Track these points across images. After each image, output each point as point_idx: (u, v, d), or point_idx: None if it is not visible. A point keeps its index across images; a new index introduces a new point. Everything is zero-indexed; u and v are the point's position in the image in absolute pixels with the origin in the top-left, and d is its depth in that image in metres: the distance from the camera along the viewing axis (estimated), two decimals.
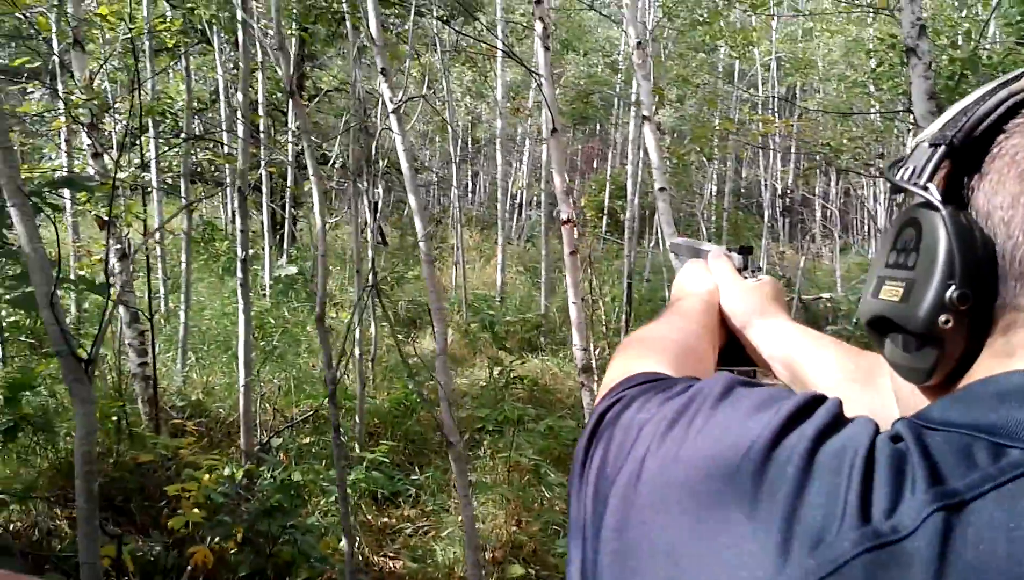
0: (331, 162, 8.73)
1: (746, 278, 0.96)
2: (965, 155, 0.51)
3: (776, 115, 13.82)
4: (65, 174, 3.24)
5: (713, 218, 16.04)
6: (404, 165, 2.64)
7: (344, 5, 5.54)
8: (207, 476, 3.07)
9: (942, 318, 0.48)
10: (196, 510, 2.91)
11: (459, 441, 2.56)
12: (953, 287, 0.48)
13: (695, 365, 0.75)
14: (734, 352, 0.94)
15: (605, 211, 14.82)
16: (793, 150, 16.21)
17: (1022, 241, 0.47)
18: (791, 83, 16.99)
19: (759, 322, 0.91)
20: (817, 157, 12.54)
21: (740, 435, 0.48)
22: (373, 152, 4.95)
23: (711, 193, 17.61)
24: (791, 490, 0.44)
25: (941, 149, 0.51)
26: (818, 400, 0.51)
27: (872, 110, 10.40)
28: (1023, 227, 0.47)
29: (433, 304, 2.69)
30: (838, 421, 0.48)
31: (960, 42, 8.61)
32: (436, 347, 2.67)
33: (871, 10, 8.19)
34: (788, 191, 16.40)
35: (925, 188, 0.51)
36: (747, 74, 16.35)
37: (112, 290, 5.46)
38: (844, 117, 10.53)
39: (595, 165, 19.52)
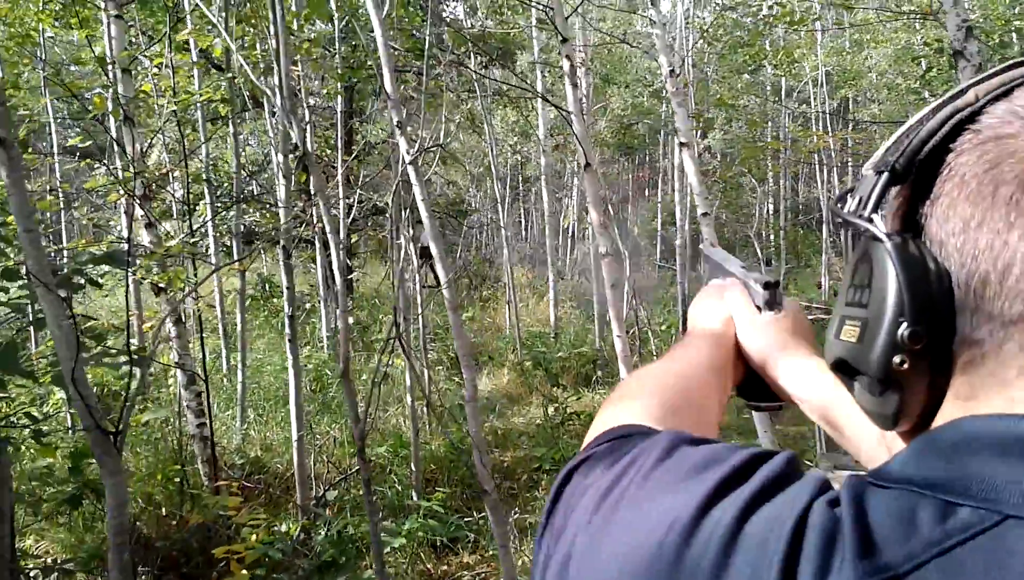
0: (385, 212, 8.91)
1: (763, 312, 0.88)
2: (917, 179, 0.47)
3: (826, 129, 13.53)
4: (111, 248, 3.39)
5: (771, 237, 15.74)
6: (423, 214, 2.67)
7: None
8: (253, 537, 3.09)
9: (896, 359, 0.44)
10: (245, 571, 2.93)
11: (493, 489, 2.52)
12: (904, 325, 0.44)
13: (688, 412, 0.71)
14: (756, 388, 0.87)
15: (658, 238, 14.70)
16: (851, 164, 15.84)
17: (975, 269, 0.42)
18: (843, 96, 16.66)
19: (780, 359, 0.83)
20: None
21: (662, 515, 0.45)
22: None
23: (768, 212, 17.29)
24: (711, 570, 0.41)
25: (884, 176, 0.48)
26: (761, 458, 0.47)
27: None
28: (975, 254, 0.42)
29: (460, 351, 2.68)
30: (778, 483, 0.44)
31: (1015, 40, 8.32)
32: (465, 395, 2.65)
33: (915, 15, 7.99)
34: None
35: (869, 220, 0.48)
36: (795, 90, 16.11)
37: (161, 357, 5.63)
38: (897, 124, 10.22)
39: (647, 193, 19.44)
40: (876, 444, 0.63)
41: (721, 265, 1.00)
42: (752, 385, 0.87)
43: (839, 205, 0.52)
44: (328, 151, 11.17)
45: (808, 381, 0.79)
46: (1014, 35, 8.37)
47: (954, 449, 0.41)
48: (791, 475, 0.46)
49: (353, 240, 9.64)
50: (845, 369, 0.51)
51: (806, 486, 0.44)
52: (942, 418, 0.45)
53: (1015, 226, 0.41)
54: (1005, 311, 0.41)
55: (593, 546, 0.48)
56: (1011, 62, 0.47)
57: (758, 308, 0.88)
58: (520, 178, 18.37)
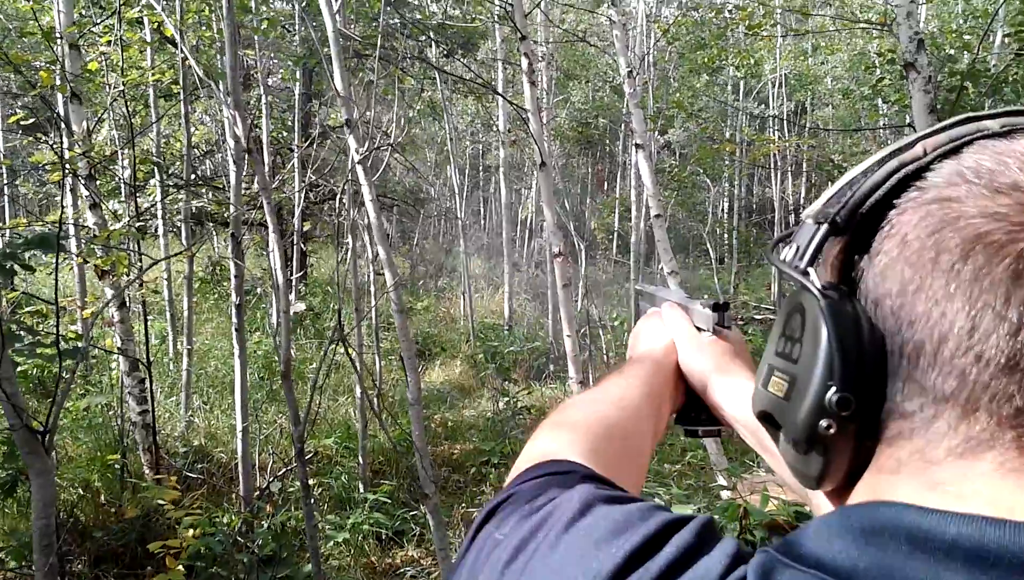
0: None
1: (703, 332, 0.88)
2: (857, 232, 0.45)
3: (778, 133, 13.76)
4: (43, 230, 3.28)
5: (725, 236, 15.98)
6: (371, 215, 2.64)
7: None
8: (189, 532, 3.05)
9: (823, 423, 0.43)
10: (180, 567, 2.89)
11: (434, 493, 2.53)
12: (833, 390, 0.42)
13: (623, 446, 0.70)
14: (696, 412, 0.87)
15: (615, 233, 14.81)
16: (805, 167, 16.15)
17: (910, 337, 0.41)
18: (800, 98, 16.95)
19: (718, 381, 0.82)
20: (824, 172, 12.46)
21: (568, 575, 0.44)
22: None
23: (722, 211, 17.55)
24: None
25: (824, 228, 0.46)
26: (674, 526, 0.46)
27: (876, 125, 10.33)
28: (911, 320, 0.41)
29: (405, 354, 2.68)
30: (688, 556, 0.43)
31: (964, 54, 8.54)
32: (409, 398, 2.65)
33: (869, 26, 8.15)
34: (800, 206, 16.31)
35: (805, 273, 0.46)
36: (754, 90, 16.34)
37: (104, 340, 5.50)
38: (849, 132, 10.46)
39: (605, 187, 19.55)
40: None
41: (656, 295, 0.99)
42: (693, 409, 0.87)
43: (774, 251, 0.51)
44: (284, 132, 10.99)
45: (743, 403, 0.77)
46: (964, 50, 8.58)
47: (868, 536, 0.39)
48: (703, 547, 0.44)
49: (307, 227, 9.50)
50: (771, 421, 0.50)
51: (716, 563, 0.42)
52: (865, 487, 0.44)
53: (954, 297, 0.39)
54: (938, 386, 0.39)
55: None
56: (961, 117, 0.45)
57: (699, 329, 0.88)
58: (480, 167, 18.33)
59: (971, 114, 0.45)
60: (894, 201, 0.43)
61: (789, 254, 0.48)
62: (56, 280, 2.40)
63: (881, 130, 10.72)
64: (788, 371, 0.47)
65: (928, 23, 10.74)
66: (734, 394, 0.80)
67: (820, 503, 0.50)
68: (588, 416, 0.74)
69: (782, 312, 0.50)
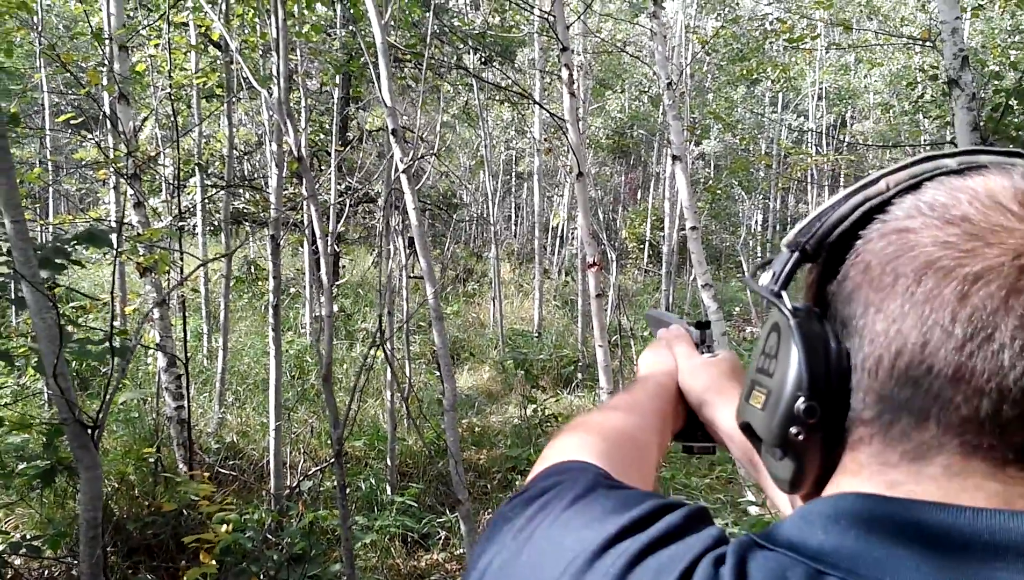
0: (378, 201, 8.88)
1: (703, 353, 0.95)
2: (827, 260, 0.50)
3: (816, 148, 13.62)
4: (93, 227, 3.36)
5: (758, 249, 15.83)
6: (414, 223, 2.68)
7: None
8: (222, 528, 3.10)
9: (793, 430, 0.48)
10: (213, 562, 2.94)
11: (467, 499, 2.55)
12: (801, 399, 0.47)
13: (631, 453, 0.74)
14: (693, 430, 0.92)
15: (646, 242, 14.75)
16: (843, 181, 15.95)
17: (871, 352, 0.45)
18: (838, 113, 16.77)
19: (713, 400, 0.88)
20: None
21: (563, 554, 0.48)
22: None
23: (756, 222, 17.39)
24: None
25: (795, 256, 0.51)
26: (667, 509, 0.50)
27: (917, 141, 10.17)
28: (872, 337, 0.45)
29: (441, 359, 2.70)
30: (673, 535, 0.47)
31: (1010, 72, 8.39)
32: (445, 404, 2.68)
33: (912, 41, 8.06)
34: None
35: (778, 295, 0.51)
36: (793, 103, 16.19)
37: (141, 336, 5.61)
38: (888, 148, 10.30)
39: (638, 196, 19.47)
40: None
41: (659, 319, 1.09)
42: (691, 426, 0.92)
43: (755, 277, 0.55)
44: (322, 135, 11.12)
45: (734, 423, 0.82)
46: (1010, 68, 8.43)
47: (830, 521, 0.44)
48: (689, 528, 0.48)
49: (342, 229, 9.60)
50: (751, 432, 0.54)
51: (698, 541, 0.46)
52: (832, 488, 0.48)
53: (908, 316, 0.44)
54: (894, 395, 0.44)
55: (503, 573, 0.51)
56: (923, 156, 0.50)
57: (699, 350, 0.96)
58: (513, 173, 18.37)
59: (931, 153, 0.50)
60: (859, 232, 0.48)
61: (766, 279, 0.53)
62: (113, 278, 2.46)
63: (922, 147, 10.56)
64: (765, 385, 0.52)
65: (972, 38, 10.57)
66: (725, 413, 0.85)
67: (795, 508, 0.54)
68: (601, 424, 0.78)
69: (763, 332, 0.55)
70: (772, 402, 0.50)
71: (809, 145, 14.47)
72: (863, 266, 0.47)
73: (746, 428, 0.55)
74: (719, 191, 10.79)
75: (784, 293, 0.51)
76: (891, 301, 0.45)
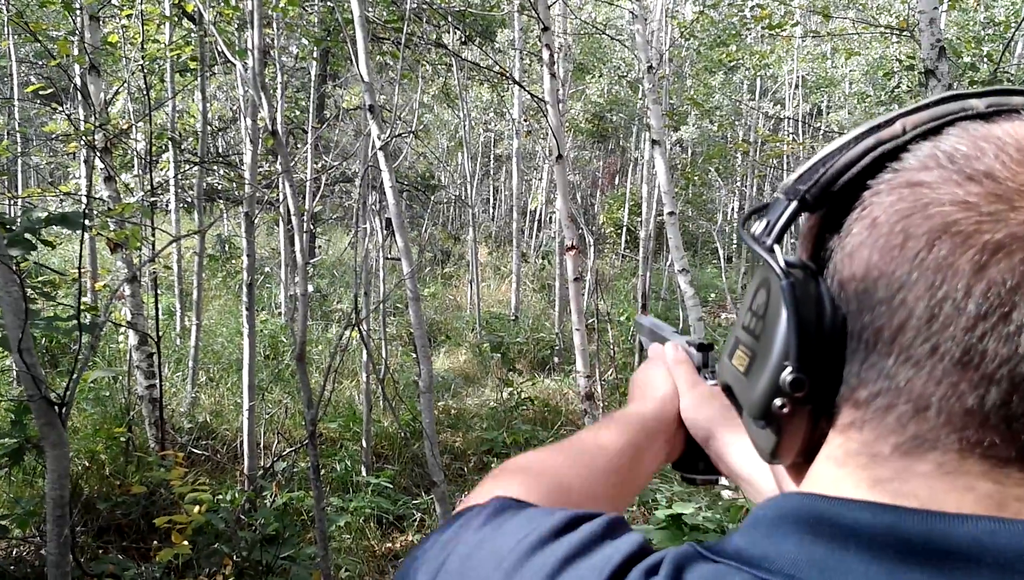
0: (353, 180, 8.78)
1: (705, 378, 0.87)
2: (829, 211, 0.44)
3: (792, 136, 13.71)
4: (67, 199, 3.28)
5: (734, 235, 15.94)
6: (391, 201, 2.64)
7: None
8: (195, 508, 3.07)
9: (776, 402, 0.42)
10: (185, 542, 2.91)
11: (442, 481, 2.54)
12: (788, 370, 0.41)
13: (556, 494, 0.65)
14: (694, 460, 0.85)
15: (624, 227, 14.79)
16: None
17: (870, 321, 0.39)
18: (816, 101, 16.87)
19: (723, 436, 0.79)
20: None
21: (477, 573, 0.46)
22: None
23: (732, 209, 17.50)
24: None
25: (793, 205, 0.44)
26: (582, 519, 0.47)
27: None
28: (872, 305, 0.39)
29: (418, 341, 2.68)
30: (592, 543, 0.44)
31: (984, 63, 8.49)
32: (420, 386, 2.66)
33: (891, 30, 8.10)
34: None
35: (771, 250, 0.44)
36: (770, 91, 16.26)
37: (113, 313, 5.53)
38: None
39: (616, 181, 19.50)
40: None
41: (654, 331, 1.00)
42: (692, 456, 0.85)
43: (745, 225, 0.49)
44: (298, 112, 10.97)
45: (754, 463, 0.74)
46: (985, 59, 8.53)
47: (773, 526, 0.40)
48: (607, 537, 0.45)
49: (318, 208, 9.51)
50: (732, 395, 0.50)
51: (620, 548, 0.43)
52: (814, 473, 0.44)
53: (916, 285, 0.38)
54: (892, 374, 0.39)
55: None
56: (947, 94, 0.43)
57: (703, 375, 0.87)
58: (491, 156, 18.29)
59: (957, 92, 0.43)
60: (868, 181, 0.42)
61: (759, 229, 0.47)
62: (81, 253, 2.40)
63: None
64: (750, 346, 0.46)
65: (948, 28, 10.66)
66: (737, 450, 0.78)
67: (781, 477, 0.51)
68: (529, 466, 0.70)
69: (751, 286, 0.50)
70: (756, 368, 0.44)
71: (786, 133, 14.55)
72: (869, 221, 0.41)
73: (727, 389, 0.50)
74: (696, 177, 10.82)
75: (778, 247, 0.44)
76: (897, 266, 0.39)
